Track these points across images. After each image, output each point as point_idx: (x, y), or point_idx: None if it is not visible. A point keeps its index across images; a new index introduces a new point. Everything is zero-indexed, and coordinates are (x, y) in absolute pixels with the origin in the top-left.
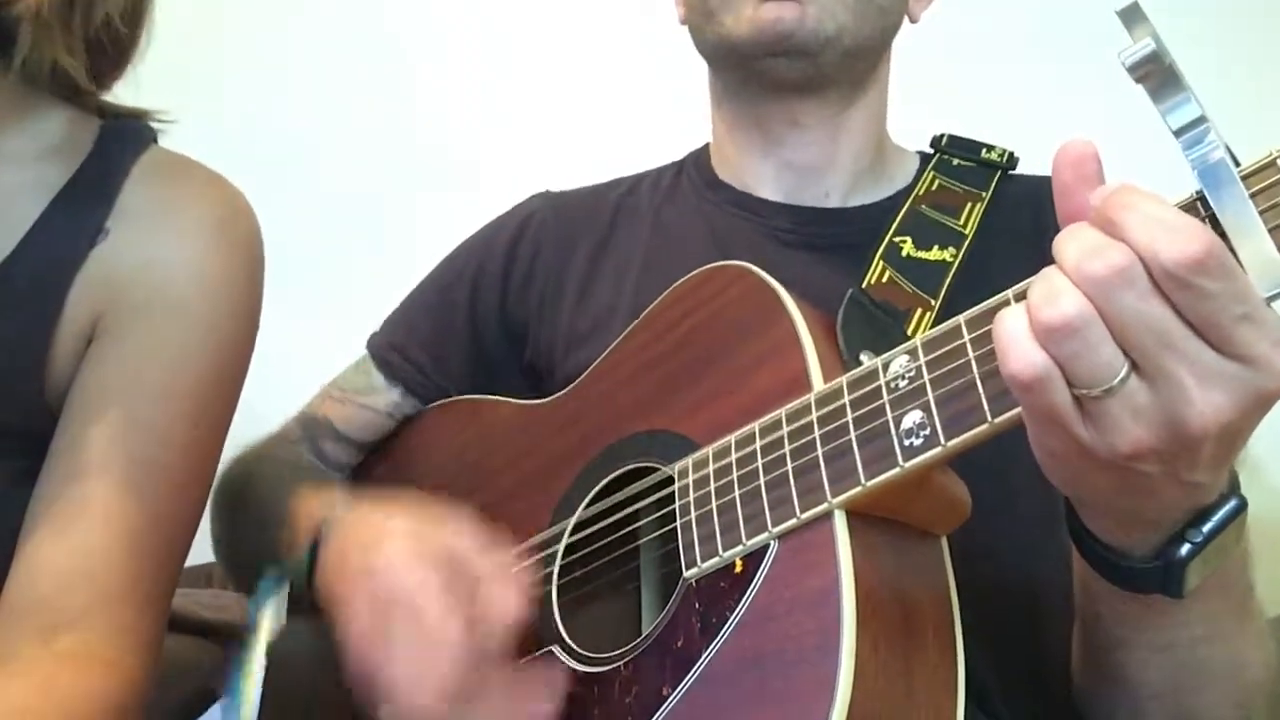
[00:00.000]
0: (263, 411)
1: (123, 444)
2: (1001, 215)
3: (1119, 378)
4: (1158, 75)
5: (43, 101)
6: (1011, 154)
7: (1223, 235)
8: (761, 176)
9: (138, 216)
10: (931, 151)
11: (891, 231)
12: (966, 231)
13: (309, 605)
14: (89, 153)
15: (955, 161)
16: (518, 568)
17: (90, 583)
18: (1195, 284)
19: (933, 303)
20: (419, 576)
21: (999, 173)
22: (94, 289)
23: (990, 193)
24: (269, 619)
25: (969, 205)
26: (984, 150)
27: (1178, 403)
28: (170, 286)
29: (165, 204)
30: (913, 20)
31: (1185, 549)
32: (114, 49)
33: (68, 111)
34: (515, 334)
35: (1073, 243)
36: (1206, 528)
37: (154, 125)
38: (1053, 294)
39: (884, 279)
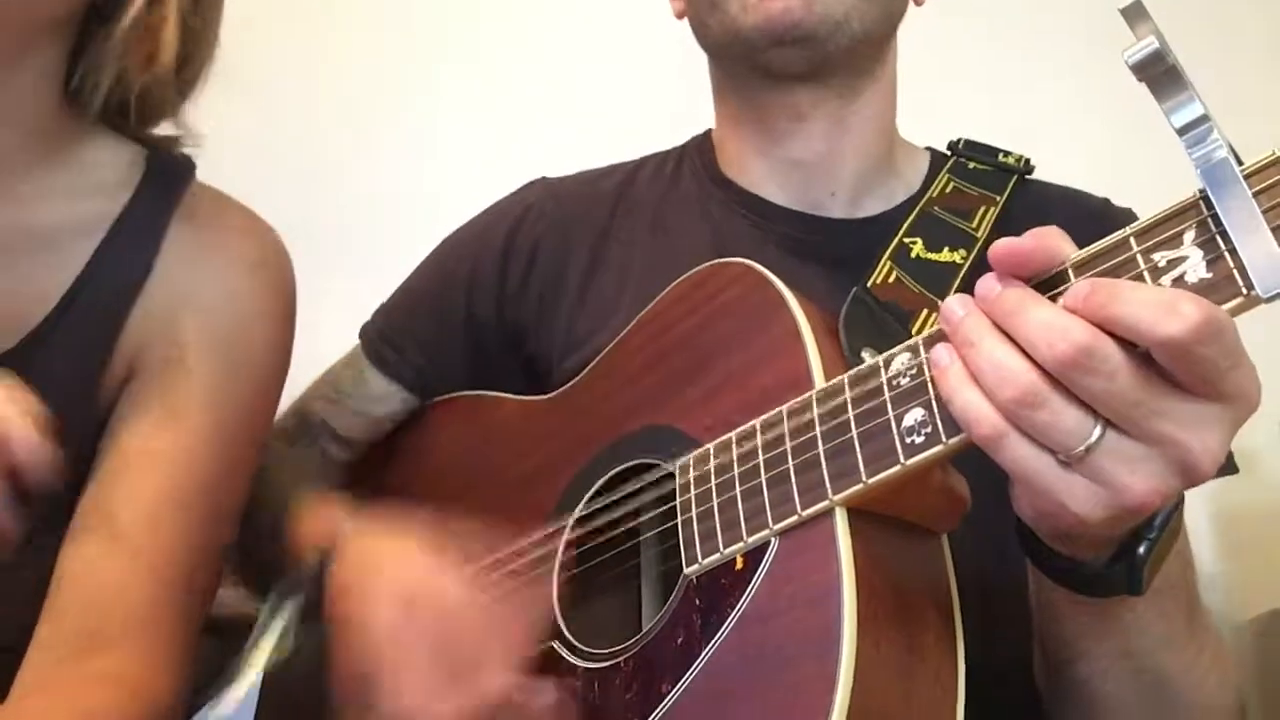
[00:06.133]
0: None
1: (154, 476)
2: (1015, 220)
3: (1094, 437)
4: (1160, 74)
5: (90, 133)
6: (1028, 160)
7: (1224, 233)
8: (765, 175)
9: (180, 257)
10: (946, 153)
11: (902, 232)
12: (979, 234)
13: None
14: (136, 188)
15: (971, 165)
16: (519, 582)
17: (121, 607)
18: (1194, 352)
19: (940, 303)
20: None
21: (1015, 177)
22: (138, 327)
23: (1005, 197)
24: (272, 638)
25: (983, 208)
26: (1000, 155)
27: (1176, 454)
28: (207, 327)
29: (206, 245)
30: (918, 3)
31: (1144, 547)
32: (194, 90)
33: (114, 142)
34: (513, 334)
35: (1038, 320)
36: (1158, 521)
37: (189, 151)
38: (1010, 367)
39: (890, 279)
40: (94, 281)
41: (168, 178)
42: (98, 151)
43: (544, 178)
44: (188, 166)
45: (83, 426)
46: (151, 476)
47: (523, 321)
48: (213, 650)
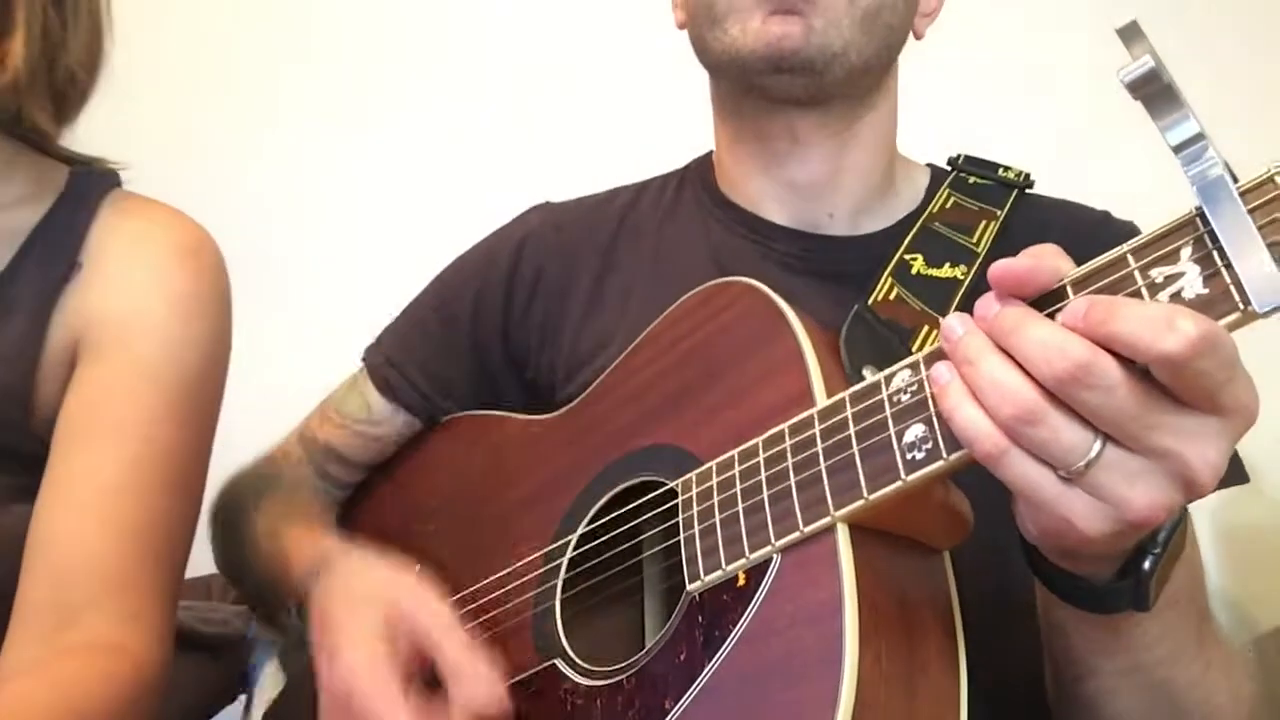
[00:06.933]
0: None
1: (112, 449)
2: (1015, 234)
3: (1094, 452)
4: (1156, 93)
5: (9, 150)
6: (1028, 175)
7: (1220, 250)
8: (764, 195)
9: (108, 251)
10: (947, 169)
11: (903, 249)
12: (979, 249)
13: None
14: (58, 196)
15: (971, 180)
16: (511, 606)
17: (92, 575)
18: (1191, 367)
19: (940, 320)
20: (379, 688)
21: (1015, 192)
22: (72, 320)
23: (1005, 211)
24: (268, 684)
25: (983, 223)
26: (1000, 169)
27: (1175, 467)
28: (143, 309)
29: (132, 237)
30: (917, 36)
31: (1148, 562)
32: (75, 96)
33: (36, 160)
34: (518, 356)
35: (1036, 336)
36: (1162, 536)
37: (115, 170)
38: (1012, 385)
39: (891, 296)
40: (16, 283)
41: (90, 186)
42: (17, 168)
43: (548, 202)
44: (112, 177)
45: (23, 416)
46: (108, 449)
47: (526, 346)
48: (209, 669)
